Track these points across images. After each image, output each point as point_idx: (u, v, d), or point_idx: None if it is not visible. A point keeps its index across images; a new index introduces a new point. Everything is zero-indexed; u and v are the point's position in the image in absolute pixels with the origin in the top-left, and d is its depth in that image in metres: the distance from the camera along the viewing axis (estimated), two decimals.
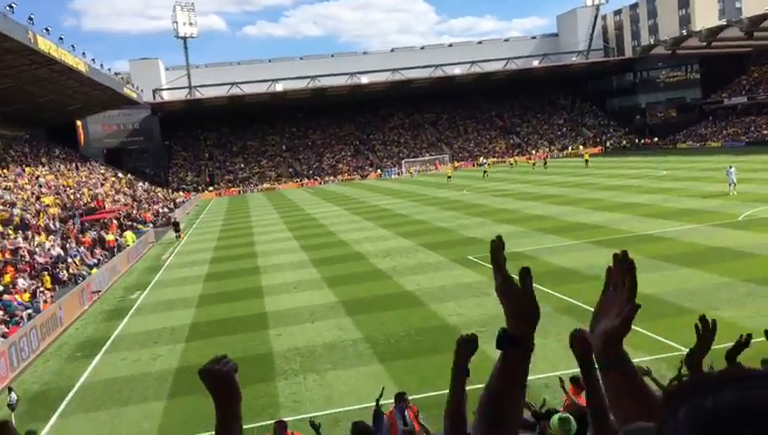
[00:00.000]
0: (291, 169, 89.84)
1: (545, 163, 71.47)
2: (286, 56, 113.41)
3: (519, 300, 1.59)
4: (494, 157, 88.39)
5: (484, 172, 66.29)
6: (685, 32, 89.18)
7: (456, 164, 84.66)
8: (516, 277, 1.62)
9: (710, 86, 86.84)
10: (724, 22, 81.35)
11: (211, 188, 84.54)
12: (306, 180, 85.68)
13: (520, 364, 1.59)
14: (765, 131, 72.40)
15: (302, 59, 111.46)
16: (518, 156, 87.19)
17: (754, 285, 17.05)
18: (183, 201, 68.64)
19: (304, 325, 18.13)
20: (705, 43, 76.39)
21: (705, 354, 2.73)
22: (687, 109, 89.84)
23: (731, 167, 34.56)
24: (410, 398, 9.72)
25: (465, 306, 18.05)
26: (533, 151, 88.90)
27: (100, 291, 26.02)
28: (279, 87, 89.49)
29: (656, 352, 12.63)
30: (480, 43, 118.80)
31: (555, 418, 7.81)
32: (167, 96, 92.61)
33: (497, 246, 1.59)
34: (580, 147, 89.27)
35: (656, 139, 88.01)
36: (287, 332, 17.70)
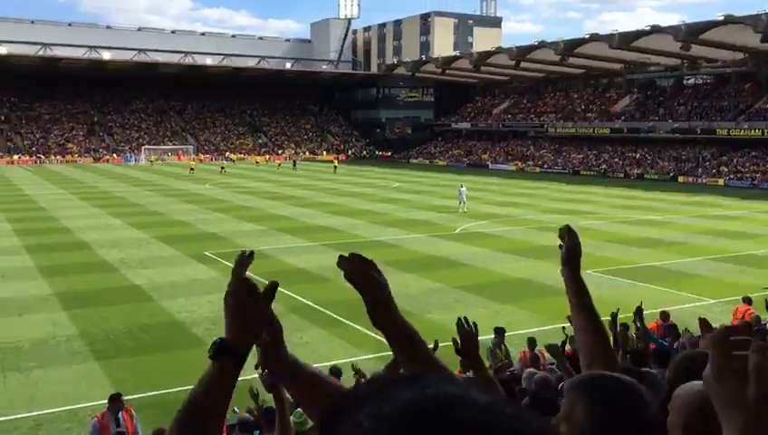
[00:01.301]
0: (9, 143, 79.77)
1: (294, 165, 72.25)
2: (14, 17, 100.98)
3: (248, 311, 1.53)
4: (240, 154, 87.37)
5: (222, 168, 65.11)
6: (424, 57, 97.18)
7: (201, 157, 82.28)
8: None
9: (441, 110, 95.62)
10: (457, 53, 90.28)
11: None
12: (26, 157, 76.60)
13: (232, 375, 1.51)
14: (483, 156, 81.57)
15: (33, 23, 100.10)
16: (267, 155, 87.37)
17: (463, 291, 19.03)
18: None
19: (10, 319, 16.15)
20: (440, 70, 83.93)
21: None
22: (421, 128, 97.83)
23: (462, 186, 37.52)
24: (128, 398, 9.15)
25: (197, 303, 17.55)
26: (280, 152, 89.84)
27: None
28: (2, 50, 79.22)
29: (376, 350, 13.43)
30: (234, 37, 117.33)
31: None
32: None
33: (242, 260, 1.56)
34: (324, 153, 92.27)
35: (389, 153, 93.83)
36: None
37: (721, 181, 56.57)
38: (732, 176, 57.26)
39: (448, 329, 14.07)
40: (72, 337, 14.85)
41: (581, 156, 71.98)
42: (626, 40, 61.59)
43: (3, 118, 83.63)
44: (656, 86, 74.63)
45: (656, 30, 59.06)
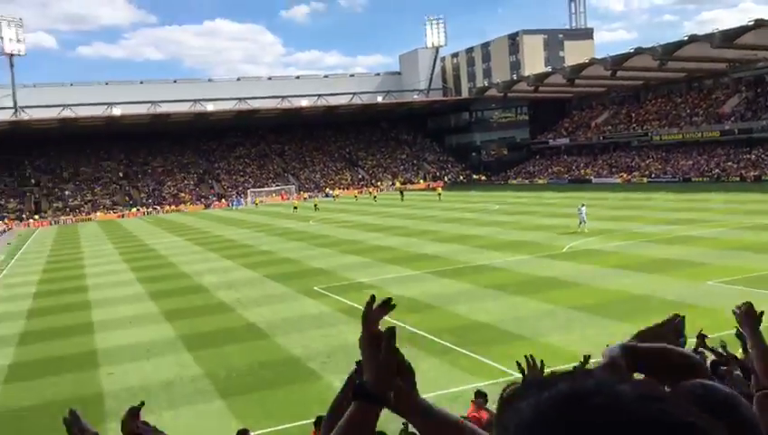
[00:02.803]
0: (128, 198, 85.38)
1: (402, 195, 71.75)
2: (125, 79, 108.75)
3: (378, 357, 1.61)
4: (340, 188, 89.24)
5: (315, 205, 64.84)
6: (515, 76, 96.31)
7: (304, 195, 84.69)
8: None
9: (537, 127, 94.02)
10: (549, 69, 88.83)
11: (37, 217, 78.15)
12: (143, 209, 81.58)
13: (370, 416, 1.58)
14: (584, 171, 79.41)
15: (141, 83, 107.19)
16: (365, 187, 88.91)
17: (576, 311, 18.46)
18: (3, 231, 62.89)
19: (140, 362, 17.13)
20: (532, 88, 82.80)
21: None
22: (517, 148, 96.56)
23: (582, 205, 35.54)
24: (254, 434, 9.47)
25: (311, 337, 17.97)
26: (379, 184, 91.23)
27: None
28: (116, 111, 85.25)
29: (490, 377, 13.26)
30: (326, 76, 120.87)
31: None
32: None
33: (372, 309, 1.63)
34: (421, 181, 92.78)
35: (483, 177, 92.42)
36: (120, 370, 16.62)
37: None
38: None
39: (566, 351, 13.70)
40: (198, 377, 15.55)
41: (691, 162, 68.68)
42: (728, 38, 58.59)
43: (121, 174, 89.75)
44: (765, 82, 70.31)
45: (760, 24, 55.89)
